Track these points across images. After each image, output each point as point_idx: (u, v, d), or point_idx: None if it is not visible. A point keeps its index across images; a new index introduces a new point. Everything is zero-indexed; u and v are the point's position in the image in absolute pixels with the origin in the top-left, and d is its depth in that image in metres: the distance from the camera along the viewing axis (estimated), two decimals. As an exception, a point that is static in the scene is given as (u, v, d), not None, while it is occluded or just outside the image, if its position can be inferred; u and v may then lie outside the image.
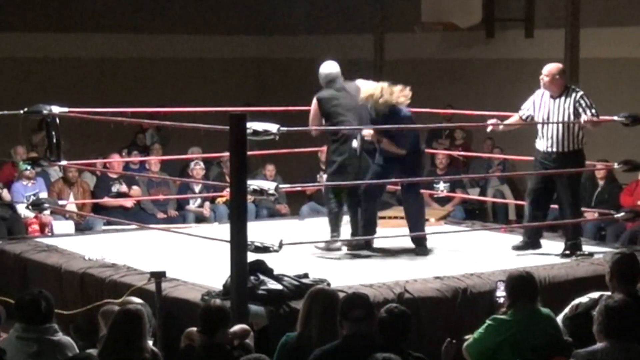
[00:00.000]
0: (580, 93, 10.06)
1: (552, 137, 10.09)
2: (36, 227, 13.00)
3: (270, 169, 14.25)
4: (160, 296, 7.80)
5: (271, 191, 8.84)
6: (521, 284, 6.67)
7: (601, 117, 10.76)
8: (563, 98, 10.06)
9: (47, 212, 12.73)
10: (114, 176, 14.01)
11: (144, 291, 8.17)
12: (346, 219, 10.53)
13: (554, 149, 10.08)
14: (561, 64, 10.45)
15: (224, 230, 8.73)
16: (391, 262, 9.83)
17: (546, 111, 10.16)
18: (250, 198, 8.73)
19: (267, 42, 19.91)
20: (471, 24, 16.30)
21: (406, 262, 9.78)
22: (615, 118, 10.65)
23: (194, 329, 6.59)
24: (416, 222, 10.27)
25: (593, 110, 9.91)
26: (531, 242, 10.35)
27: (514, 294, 6.65)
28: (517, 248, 10.30)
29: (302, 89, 17.29)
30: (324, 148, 14.42)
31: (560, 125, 10.01)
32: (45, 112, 10.94)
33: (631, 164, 11.42)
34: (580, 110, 9.92)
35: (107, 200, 13.72)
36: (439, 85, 16.90)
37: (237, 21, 19.47)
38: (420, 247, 10.11)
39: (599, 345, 5.66)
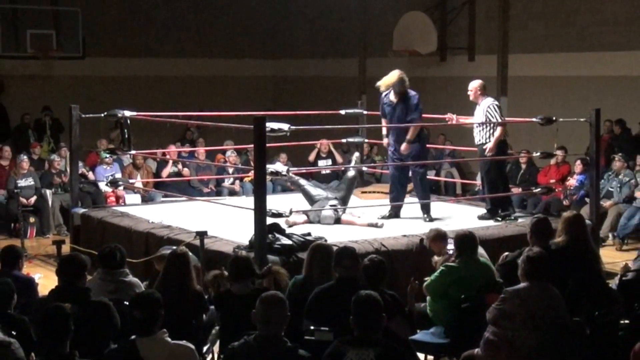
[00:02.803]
0: (489, 103, 10.16)
1: (473, 133, 10.33)
2: (113, 199, 12.98)
3: (283, 156, 14.21)
4: (203, 249, 7.81)
5: (284, 173, 8.85)
6: (466, 240, 6.67)
7: (523, 119, 10.79)
8: (480, 105, 10.13)
9: (121, 188, 12.74)
10: (171, 162, 14.00)
11: (191, 245, 8.17)
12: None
13: (475, 142, 10.33)
14: (481, 80, 10.50)
15: (249, 201, 8.72)
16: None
17: (474, 115, 10.27)
18: (268, 178, 8.73)
19: (280, 64, 19.88)
20: (429, 51, 16.27)
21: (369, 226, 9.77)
22: (534, 119, 10.66)
23: (217, 272, 6.45)
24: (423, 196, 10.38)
25: (498, 117, 10.03)
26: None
27: (460, 247, 6.65)
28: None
29: (305, 99, 17.34)
30: (323, 141, 14.45)
31: (475, 124, 10.26)
32: (120, 115, 10.93)
33: (545, 153, 11.49)
34: (488, 115, 10.05)
35: (165, 178, 13.71)
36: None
37: (259, 48, 19.46)
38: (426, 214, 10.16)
39: (522, 284, 5.65)
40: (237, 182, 14.15)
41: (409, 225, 9.68)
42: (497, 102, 10.28)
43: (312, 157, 14.49)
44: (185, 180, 13.82)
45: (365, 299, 4.76)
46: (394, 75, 10.03)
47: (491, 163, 10.17)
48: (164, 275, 6.13)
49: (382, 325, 4.75)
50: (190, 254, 6.79)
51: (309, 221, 9.74)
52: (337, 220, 9.78)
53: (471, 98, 10.26)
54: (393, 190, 10.23)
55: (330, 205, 9.89)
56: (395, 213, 10.12)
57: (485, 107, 10.08)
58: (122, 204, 12.56)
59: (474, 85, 10.29)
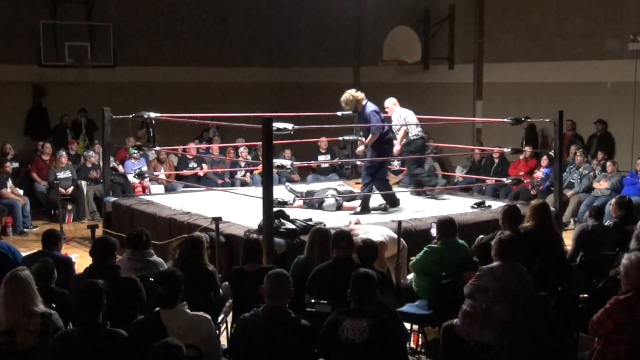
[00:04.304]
0: (397, 114, 10.53)
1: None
2: (140, 189, 12.98)
3: (288, 152, 14.20)
4: (218, 233, 7.79)
5: (288, 166, 8.85)
6: (446, 225, 6.66)
7: (496, 120, 10.71)
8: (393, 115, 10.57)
9: (147, 179, 12.73)
10: (190, 157, 13.98)
11: (208, 229, 8.16)
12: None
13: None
14: (393, 97, 10.91)
15: (258, 191, 8.71)
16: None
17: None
18: (275, 170, 8.72)
19: (285, 72, 19.82)
20: (414, 60, 16.22)
21: (373, 212, 9.76)
22: (505, 120, 10.64)
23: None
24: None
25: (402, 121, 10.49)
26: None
27: (442, 231, 6.63)
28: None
29: (307, 102, 17.30)
30: (323, 138, 14.43)
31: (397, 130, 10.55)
32: (145, 116, 10.92)
33: (515, 149, 11.48)
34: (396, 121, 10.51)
35: (184, 172, 13.70)
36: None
37: (267, 59, 19.40)
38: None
39: (495, 263, 5.65)
40: (248, 174, 14.14)
41: (397, 211, 9.68)
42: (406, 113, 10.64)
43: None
44: (203, 173, 13.82)
45: (363, 276, 4.77)
46: (345, 96, 9.91)
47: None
48: (180, 256, 6.12)
49: (375, 299, 4.75)
50: (221, 237, 6.80)
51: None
52: (339, 207, 9.77)
53: (389, 113, 10.56)
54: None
55: (331, 194, 9.90)
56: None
57: (393, 116, 10.50)
58: (148, 193, 12.55)
59: (390, 102, 10.67)
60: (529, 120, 10.71)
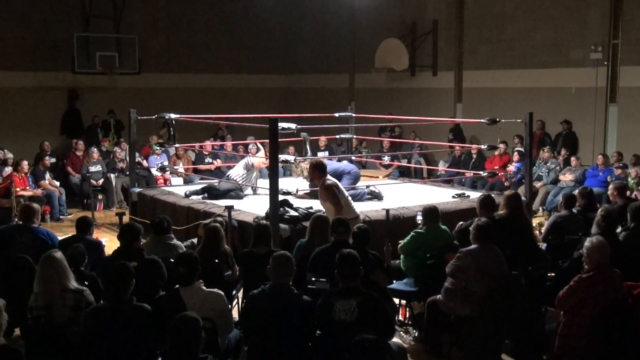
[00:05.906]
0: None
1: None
2: (161, 181, 12.96)
3: (291, 148, 14.17)
4: (230, 219, 7.78)
5: (292, 161, 8.81)
6: (430, 212, 6.65)
7: (474, 120, 10.63)
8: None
9: (168, 172, 12.70)
10: (206, 153, 13.95)
11: (222, 216, 8.14)
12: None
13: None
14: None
15: (265, 183, 8.69)
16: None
17: None
18: (280, 165, 8.69)
19: (289, 78, 19.78)
20: (402, 68, 16.18)
21: (366, 202, 9.74)
22: (482, 120, 10.60)
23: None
24: None
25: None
26: None
27: (426, 218, 6.63)
28: None
29: (308, 104, 17.26)
30: (322, 137, 14.38)
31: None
32: (167, 117, 10.87)
33: (491, 146, 11.46)
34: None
35: (201, 166, 13.67)
36: (385, 102, 16.81)
37: (273, 67, 19.37)
38: None
39: (473, 246, 5.65)
40: (257, 168, 14.10)
41: (387, 201, 9.65)
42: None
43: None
44: (217, 167, 13.79)
45: (347, 256, 4.77)
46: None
47: None
48: (205, 241, 6.16)
49: (359, 276, 4.73)
50: (234, 221, 6.78)
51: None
52: None
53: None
54: None
55: None
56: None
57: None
58: (169, 185, 12.53)
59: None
60: (503, 120, 10.67)
